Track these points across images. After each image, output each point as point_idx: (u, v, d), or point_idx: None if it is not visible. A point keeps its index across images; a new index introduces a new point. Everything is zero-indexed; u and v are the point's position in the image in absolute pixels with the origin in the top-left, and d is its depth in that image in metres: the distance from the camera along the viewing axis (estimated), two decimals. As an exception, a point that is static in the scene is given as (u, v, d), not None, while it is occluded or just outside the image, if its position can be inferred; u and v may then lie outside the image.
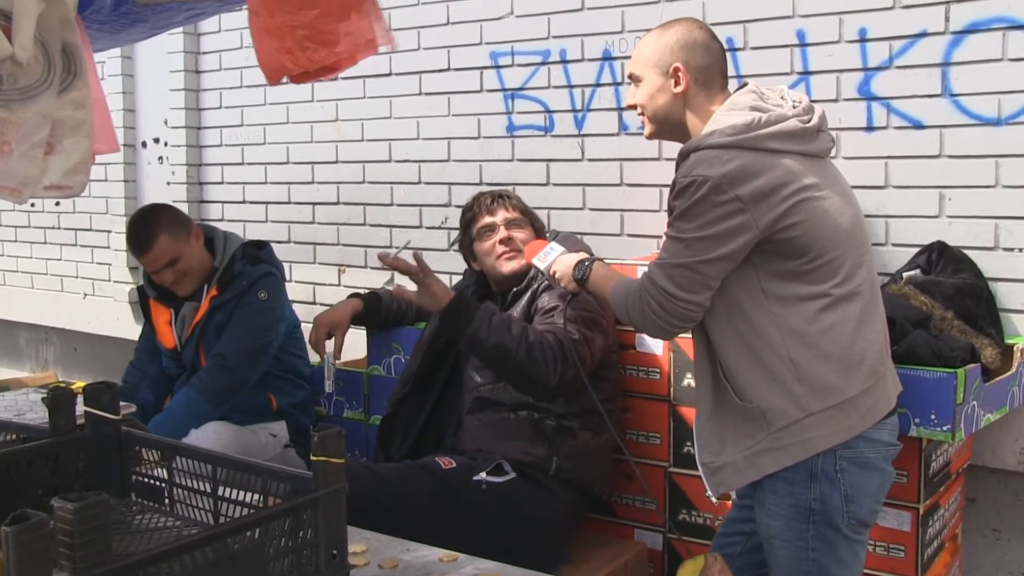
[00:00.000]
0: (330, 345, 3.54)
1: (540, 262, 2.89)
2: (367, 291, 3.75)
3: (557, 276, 2.79)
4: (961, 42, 3.24)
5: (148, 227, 3.64)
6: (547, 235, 3.35)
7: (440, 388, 3.33)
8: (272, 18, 2.29)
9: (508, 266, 3.25)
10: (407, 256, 3.04)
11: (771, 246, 2.21)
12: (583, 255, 2.78)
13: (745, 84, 2.42)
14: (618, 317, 2.55)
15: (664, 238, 2.34)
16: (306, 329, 4.22)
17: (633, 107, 2.50)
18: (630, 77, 2.52)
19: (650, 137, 2.56)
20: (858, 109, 3.44)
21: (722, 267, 2.24)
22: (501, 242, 3.23)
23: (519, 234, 3.23)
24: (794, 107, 2.33)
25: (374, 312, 3.65)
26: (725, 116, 2.29)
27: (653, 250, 3.42)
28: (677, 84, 2.40)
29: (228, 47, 5.33)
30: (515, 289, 3.24)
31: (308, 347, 4.09)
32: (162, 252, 3.63)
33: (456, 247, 3.51)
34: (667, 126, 2.48)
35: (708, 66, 2.41)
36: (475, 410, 3.14)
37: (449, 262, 4.50)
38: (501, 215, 3.27)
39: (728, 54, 3.68)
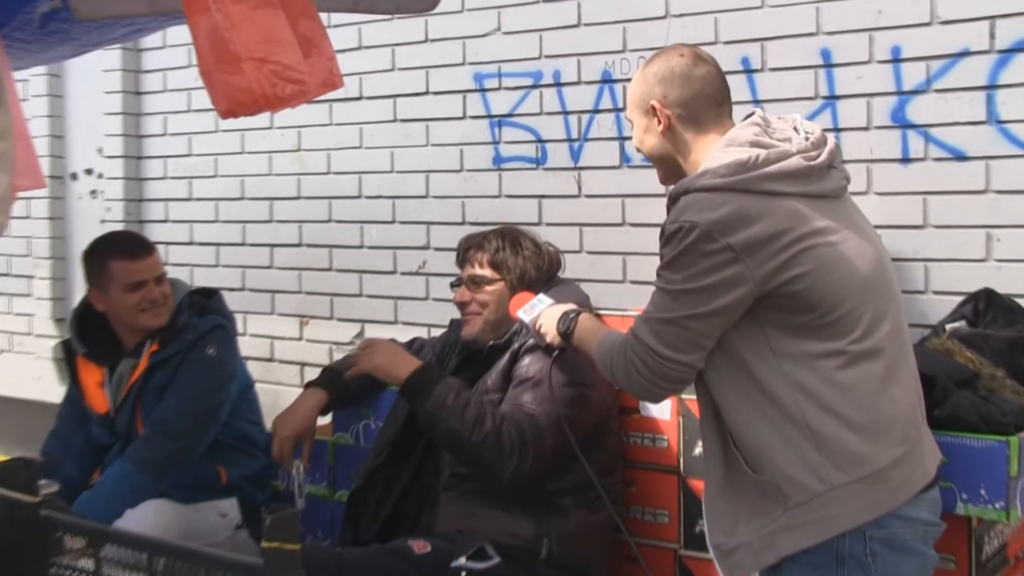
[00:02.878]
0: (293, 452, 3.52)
1: (525, 315, 2.95)
2: (324, 370, 3.68)
3: (542, 331, 2.86)
4: (1008, 62, 3.28)
5: (140, 236, 3.96)
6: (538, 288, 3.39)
7: (419, 458, 3.31)
8: (239, 52, 2.36)
9: (464, 330, 3.32)
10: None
11: (774, 300, 2.23)
12: (570, 306, 2.83)
13: (752, 114, 2.46)
14: (604, 376, 2.60)
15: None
16: (261, 390, 4.23)
17: (639, 151, 2.59)
18: (626, 119, 2.63)
19: (663, 182, 2.62)
20: (892, 138, 3.47)
21: (714, 323, 2.25)
22: (458, 302, 3.33)
23: (479, 295, 3.26)
24: (807, 139, 2.37)
25: (342, 399, 3.60)
26: (721, 153, 2.31)
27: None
28: (659, 123, 2.48)
29: (174, 65, 5.35)
30: (492, 343, 3.26)
31: (264, 413, 4.10)
32: (159, 260, 3.81)
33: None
34: (667, 168, 2.55)
35: (691, 98, 2.44)
36: (452, 487, 3.13)
37: (428, 313, 4.53)
38: (468, 269, 3.31)
39: (742, 76, 3.76)
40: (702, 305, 2.22)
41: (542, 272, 3.35)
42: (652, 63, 2.51)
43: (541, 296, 2.98)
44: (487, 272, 3.27)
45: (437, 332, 4.07)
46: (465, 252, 3.35)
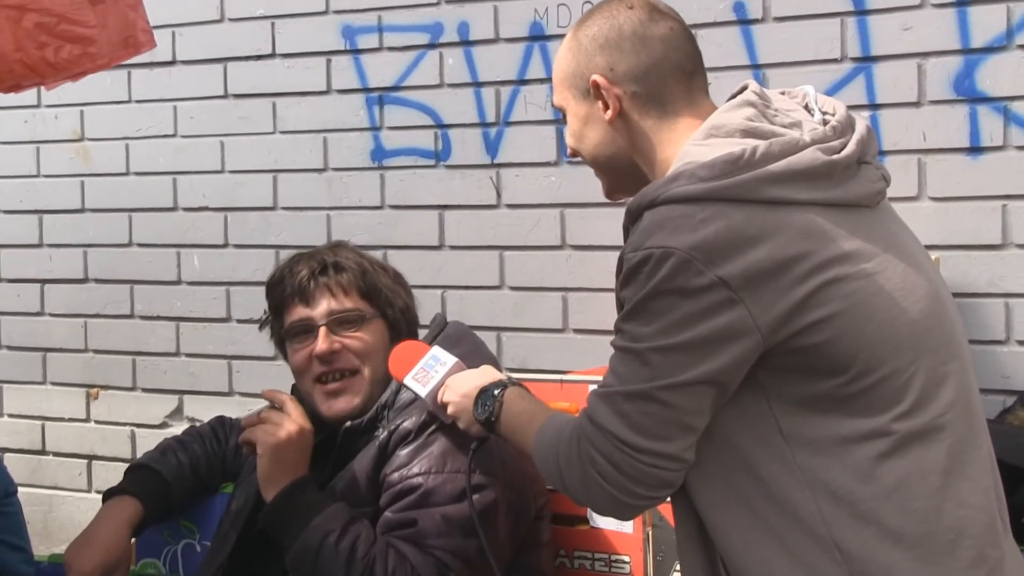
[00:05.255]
0: None
1: (418, 384, 2.86)
2: (131, 469, 3.53)
3: (451, 412, 2.80)
4: None
5: None
6: (422, 335, 3.29)
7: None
8: None
9: (329, 406, 3.18)
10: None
11: (786, 359, 2.16)
12: (489, 375, 2.76)
13: (743, 88, 2.43)
14: (550, 483, 2.52)
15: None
16: (26, 498, 4.14)
17: (575, 153, 2.56)
18: (554, 107, 2.55)
19: (609, 195, 2.57)
20: (954, 118, 3.47)
21: (706, 397, 2.18)
22: (319, 358, 3.24)
23: (352, 341, 3.15)
24: (825, 123, 2.35)
25: (163, 509, 3.49)
26: (700, 147, 2.25)
27: (615, 357, 3.41)
28: (606, 107, 2.44)
29: None
30: (349, 424, 3.14)
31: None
32: None
33: (269, 335, 3.45)
34: (620, 175, 2.49)
35: (650, 67, 2.40)
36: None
37: (278, 379, 4.37)
38: (324, 305, 3.20)
39: (735, 30, 3.73)
40: (687, 369, 2.15)
41: (404, 315, 3.27)
42: (588, 22, 2.47)
43: (437, 351, 2.90)
44: (358, 305, 3.20)
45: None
46: (308, 280, 3.23)
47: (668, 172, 2.27)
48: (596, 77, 2.41)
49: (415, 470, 2.98)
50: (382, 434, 3.05)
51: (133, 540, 3.56)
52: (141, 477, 3.47)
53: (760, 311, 2.14)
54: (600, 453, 2.23)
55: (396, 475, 2.99)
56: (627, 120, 2.42)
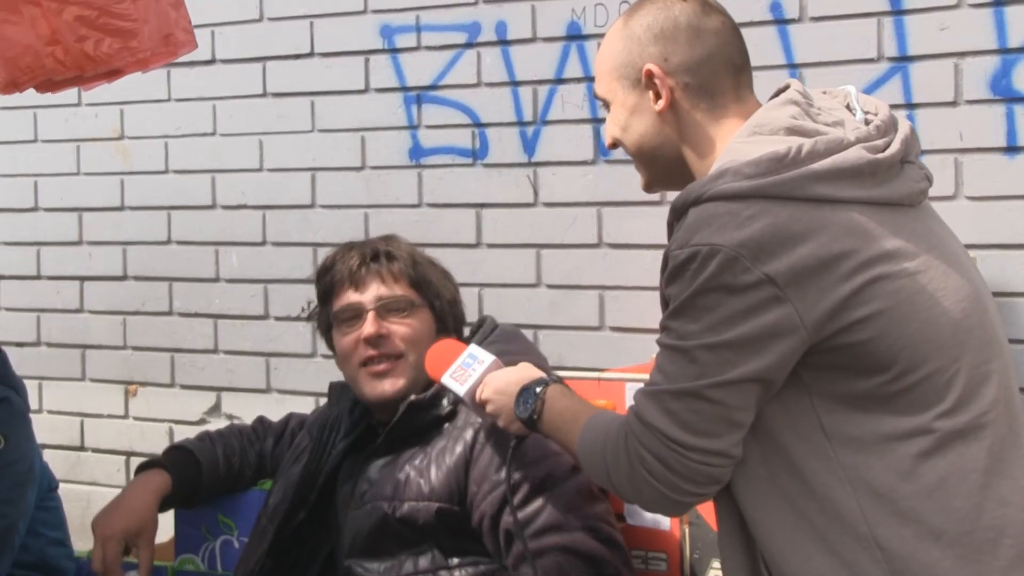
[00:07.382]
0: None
1: (456, 382, 2.84)
2: (168, 449, 3.61)
3: (491, 410, 2.78)
4: None
5: None
6: (466, 333, 3.28)
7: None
8: None
9: (373, 387, 3.18)
10: None
11: (829, 357, 2.18)
12: (529, 372, 2.78)
13: (785, 87, 2.42)
14: (596, 481, 2.52)
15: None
16: (66, 493, 4.14)
17: (615, 145, 2.55)
18: (596, 98, 2.56)
19: (647, 188, 2.57)
20: (991, 118, 3.47)
21: (752, 393, 2.20)
22: (366, 341, 3.19)
23: (400, 327, 3.15)
24: (867, 123, 2.34)
25: (192, 487, 3.51)
26: (745, 144, 2.26)
27: (652, 355, 3.41)
28: (657, 97, 2.43)
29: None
30: (413, 397, 3.12)
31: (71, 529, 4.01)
32: None
33: (314, 324, 3.46)
34: (663, 169, 2.49)
35: (703, 59, 2.41)
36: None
37: (316, 376, 4.44)
38: (373, 290, 3.20)
39: (772, 29, 3.72)
40: (734, 367, 2.18)
41: (451, 311, 3.29)
42: (641, 12, 2.46)
43: (474, 349, 2.89)
44: (407, 292, 3.19)
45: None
46: (359, 267, 3.22)
47: (712, 169, 2.27)
48: (650, 66, 2.42)
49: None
50: (445, 409, 3.06)
51: (164, 537, 3.57)
52: (175, 455, 3.54)
53: (806, 308, 2.15)
54: (649, 451, 2.24)
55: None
56: (677, 111, 2.44)
